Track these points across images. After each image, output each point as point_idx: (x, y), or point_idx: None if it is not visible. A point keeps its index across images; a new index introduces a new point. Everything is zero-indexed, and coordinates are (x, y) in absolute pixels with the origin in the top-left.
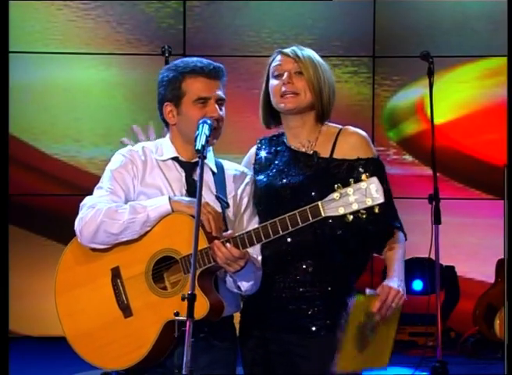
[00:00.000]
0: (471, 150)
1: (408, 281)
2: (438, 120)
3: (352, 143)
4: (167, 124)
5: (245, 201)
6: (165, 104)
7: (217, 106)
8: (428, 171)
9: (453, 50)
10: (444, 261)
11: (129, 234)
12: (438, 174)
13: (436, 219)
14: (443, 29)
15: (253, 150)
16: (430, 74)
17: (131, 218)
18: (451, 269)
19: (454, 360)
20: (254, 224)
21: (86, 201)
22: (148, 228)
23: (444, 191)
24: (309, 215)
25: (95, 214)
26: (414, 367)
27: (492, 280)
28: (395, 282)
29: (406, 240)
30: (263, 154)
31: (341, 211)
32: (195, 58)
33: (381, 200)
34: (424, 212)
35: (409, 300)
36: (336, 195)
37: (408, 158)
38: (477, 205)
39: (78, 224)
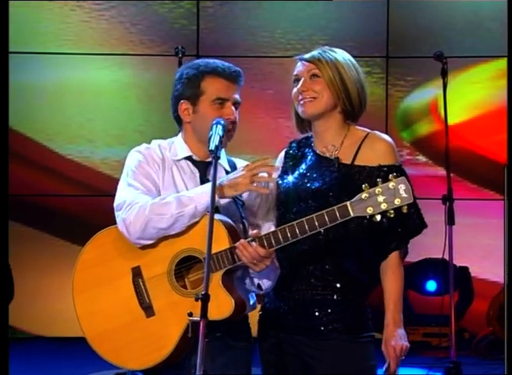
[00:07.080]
0: (484, 150)
1: (422, 282)
2: (451, 121)
3: (376, 150)
4: (179, 122)
5: (258, 199)
6: (181, 101)
7: (233, 108)
8: (442, 171)
9: (467, 50)
10: (458, 261)
11: (177, 228)
12: (451, 175)
13: (450, 220)
14: (457, 29)
15: (283, 152)
16: (444, 75)
17: (179, 211)
18: (465, 269)
19: (468, 361)
20: (270, 222)
21: (121, 201)
22: (197, 219)
23: (458, 192)
24: (337, 215)
25: (139, 211)
26: (427, 368)
27: None
28: (397, 334)
29: (406, 256)
30: (291, 156)
31: (370, 211)
32: (216, 60)
33: (410, 200)
34: (437, 213)
35: (423, 301)
36: (364, 195)
37: (422, 158)
38: (491, 205)
39: (122, 225)
